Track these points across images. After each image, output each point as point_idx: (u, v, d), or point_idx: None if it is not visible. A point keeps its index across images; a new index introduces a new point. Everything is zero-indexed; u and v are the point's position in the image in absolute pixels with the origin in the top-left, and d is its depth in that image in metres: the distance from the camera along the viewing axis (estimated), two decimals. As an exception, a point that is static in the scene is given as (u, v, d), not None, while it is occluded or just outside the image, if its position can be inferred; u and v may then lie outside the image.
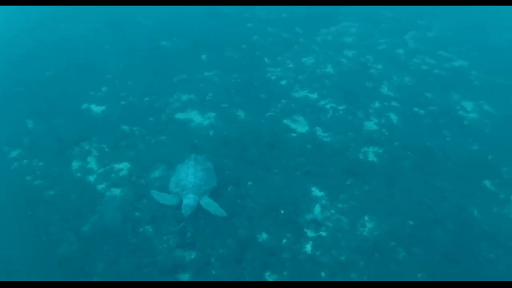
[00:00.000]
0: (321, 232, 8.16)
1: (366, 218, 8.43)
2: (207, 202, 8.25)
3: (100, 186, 9.06)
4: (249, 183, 8.97)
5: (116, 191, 8.92)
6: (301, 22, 14.61)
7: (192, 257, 7.71)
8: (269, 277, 7.45)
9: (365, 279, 7.44)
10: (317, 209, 8.57)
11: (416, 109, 11.03)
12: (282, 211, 8.40)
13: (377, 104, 11.10)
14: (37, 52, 13.64)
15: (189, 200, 8.19)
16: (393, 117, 10.74)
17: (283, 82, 11.80)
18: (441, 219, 8.47)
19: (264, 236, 8.04)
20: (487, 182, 9.29)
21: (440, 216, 8.52)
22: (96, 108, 11.07)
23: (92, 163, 9.60)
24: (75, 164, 9.60)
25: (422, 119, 10.76)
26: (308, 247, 7.91)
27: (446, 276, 7.47)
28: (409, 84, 11.87)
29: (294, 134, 10.18)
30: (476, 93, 11.62)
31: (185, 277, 7.44)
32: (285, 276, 7.45)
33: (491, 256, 7.90)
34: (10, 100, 11.65)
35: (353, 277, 7.45)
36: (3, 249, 7.76)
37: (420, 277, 7.52)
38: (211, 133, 10.21)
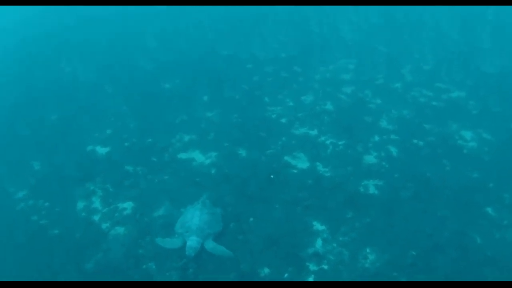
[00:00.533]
0: (323, 265, 8.16)
1: (367, 250, 8.42)
2: (212, 247, 8.31)
3: (105, 225, 9.26)
4: (251, 219, 9.06)
5: (120, 230, 9.08)
6: (300, 61, 14.98)
7: (194, 293, 7.75)
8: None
9: (367, 310, 7.39)
10: (319, 242, 8.60)
11: (415, 140, 11.12)
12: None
13: (376, 138, 11.23)
14: (41, 94, 14.19)
15: (192, 242, 8.28)
16: (393, 150, 10.84)
17: (283, 120, 12.04)
18: (443, 246, 8.40)
19: (266, 270, 8.06)
20: (489, 209, 9.22)
21: (441, 243, 8.45)
22: (101, 150, 11.42)
23: (97, 203, 9.86)
24: (80, 204, 9.87)
25: (421, 150, 10.82)
26: (310, 279, 7.89)
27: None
28: (408, 116, 12.02)
29: (294, 170, 10.31)
30: (474, 122, 11.67)
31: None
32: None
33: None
34: (17, 142, 12.08)
35: (355, 309, 7.40)
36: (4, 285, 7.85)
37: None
38: (212, 172, 10.41)
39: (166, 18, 20.40)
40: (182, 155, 10.97)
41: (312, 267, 8.14)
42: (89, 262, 8.37)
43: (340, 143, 11.10)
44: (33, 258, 8.57)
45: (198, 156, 10.91)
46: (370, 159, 10.60)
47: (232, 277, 7.88)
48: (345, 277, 7.90)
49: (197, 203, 9.03)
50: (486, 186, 9.83)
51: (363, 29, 17.33)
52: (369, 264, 8.15)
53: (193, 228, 8.41)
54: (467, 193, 9.56)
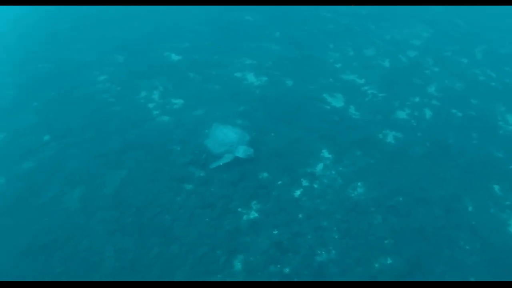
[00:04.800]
0: (314, 184, 8.80)
1: (359, 183, 8.89)
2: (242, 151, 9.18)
3: (155, 112, 10.74)
4: (272, 134, 9.92)
5: (165, 118, 10.52)
6: (376, 19, 14.89)
7: (201, 174, 8.95)
8: (254, 205, 8.37)
9: (334, 229, 8.04)
10: (320, 166, 9.20)
11: (454, 110, 10.93)
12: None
13: (417, 99, 11.21)
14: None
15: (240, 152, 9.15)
16: (427, 112, 10.80)
17: (338, 65, 12.42)
18: (431, 202, 8.52)
19: (265, 174, 8.96)
20: (496, 186, 9.03)
21: (431, 200, 8.56)
22: (175, 57, 12.82)
23: (155, 95, 11.33)
24: (143, 93, 11.38)
25: (457, 119, 10.61)
26: (297, 192, 8.61)
27: (411, 250, 7.67)
28: (459, 88, 11.69)
29: (327, 106, 10.81)
30: (527, 111, 11.05)
31: (189, 186, 8.72)
32: (267, 207, 8.34)
33: (467, 247, 7.87)
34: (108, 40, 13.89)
35: (324, 225, 8.05)
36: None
37: (386, 243, 7.84)
38: (257, 92, 11.30)
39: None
40: (238, 74, 11.99)
41: (305, 183, 8.83)
42: (130, 135, 9.95)
43: (380, 94, 11.28)
44: (95, 121, 10.40)
45: (250, 77, 11.83)
46: (401, 114, 10.70)
47: (233, 170, 8.94)
48: (328, 198, 8.52)
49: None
50: (506, 167, 9.54)
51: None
52: (354, 195, 8.60)
53: (233, 141, 9.29)
54: (481, 167, 9.37)
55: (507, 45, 13.82)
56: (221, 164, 8.91)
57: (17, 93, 11.42)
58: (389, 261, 7.58)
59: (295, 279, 7.19)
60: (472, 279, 7.43)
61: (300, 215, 8.21)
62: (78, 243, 7.70)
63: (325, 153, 9.49)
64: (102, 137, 10.00)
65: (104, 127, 10.26)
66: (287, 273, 7.28)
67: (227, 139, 9.16)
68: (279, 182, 8.79)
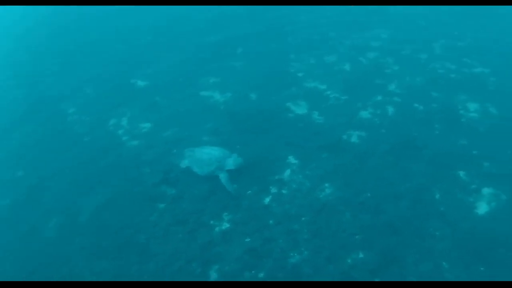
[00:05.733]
0: (282, 190, 8.98)
1: (326, 185, 9.05)
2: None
3: (124, 138, 10.95)
4: (237, 146, 10.12)
5: (134, 143, 10.72)
6: (335, 26, 15.23)
7: (172, 192, 9.17)
8: (225, 216, 8.52)
9: (305, 231, 8.17)
10: (287, 172, 9.39)
11: (416, 104, 11.18)
12: None
13: (379, 98, 11.49)
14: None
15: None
16: (390, 109, 11.04)
17: (300, 74, 12.71)
18: (399, 195, 8.68)
19: (234, 186, 9.10)
20: (461, 173, 9.18)
21: (399, 192, 8.72)
22: (141, 83, 13.12)
23: (124, 121, 11.54)
24: (112, 121, 11.64)
25: (418, 113, 10.86)
26: (267, 199, 8.78)
27: (382, 243, 7.83)
28: (419, 83, 11.95)
29: (291, 114, 11.06)
30: (486, 96, 11.28)
31: (161, 205, 8.87)
32: (238, 217, 8.48)
33: (436, 233, 8.00)
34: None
35: (295, 228, 8.18)
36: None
37: (357, 238, 7.99)
38: (221, 107, 11.61)
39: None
40: (203, 93, 12.26)
41: (273, 189, 9.01)
42: (102, 161, 10.14)
43: (343, 97, 11.55)
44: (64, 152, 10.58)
45: (215, 94, 12.11)
46: (365, 114, 10.93)
47: (203, 187, 9.12)
48: (297, 202, 8.67)
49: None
50: (469, 152, 9.71)
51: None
52: (323, 196, 8.76)
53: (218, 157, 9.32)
54: (446, 155, 9.54)
55: (466, 38, 14.20)
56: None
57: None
58: (361, 255, 7.73)
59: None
60: (445, 264, 7.58)
61: (270, 221, 8.37)
62: (57, 270, 7.98)
63: (292, 159, 9.70)
64: (74, 167, 10.23)
65: (75, 157, 10.48)
66: (261, 277, 7.39)
67: (212, 157, 9.23)
68: (249, 192, 8.96)
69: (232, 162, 9.23)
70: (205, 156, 9.25)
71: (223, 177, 9.12)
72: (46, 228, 8.99)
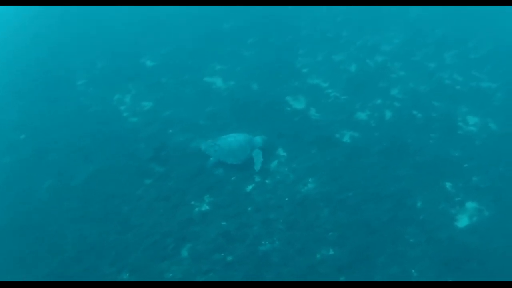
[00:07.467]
0: (266, 180, 9.14)
1: (310, 179, 9.17)
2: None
3: (125, 114, 11.22)
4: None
5: (134, 119, 11.02)
6: (349, 26, 15.04)
7: (161, 170, 9.45)
8: (207, 198, 8.75)
9: (281, 221, 8.32)
10: (274, 164, 9.55)
11: (415, 112, 11.15)
12: None
13: (378, 101, 11.48)
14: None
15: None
16: (387, 114, 11.03)
17: (305, 70, 12.74)
18: (381, 197, 8.76)
19: (220, 170, 9.34)
20: (448, 184, 9.18)
21: (381, 195, 8.79)
22: (149, 63, 13.41)
23: (127, 98, 11.83)
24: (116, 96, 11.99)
25: (416, 120, 10.85)
26: (249, 187, 8.97)
27: (355, 242, 7.94)
28: (422, 91, 11.91)
29: (289, 108, 11.16)
30: (488, 111, 11.16)
31: (148, 181, 9.14)
32: (219, 200, 8.68)
33: (411, 240, 8.08)
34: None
35: (272, 217, 8.35)
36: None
37: (331, 235, 8.10)
38: (224, 94, 11.77)
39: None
40: (207, 79, 12.42)
41: (257, 179, 9.17)
42: (101, 133, 10.58)
43: (342, 97, 11.58)
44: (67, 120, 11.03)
45: (218, 81, 12.27)
46: (361, 115, 10.95)
47: (191, 166, 9.36)
48: (278, 193, 8.83)
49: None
50: (460, 165, 9.70)
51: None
52: (305, 190, 8.90)
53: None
54: (436, 165, 9.54)
55: (480, 51, 13.94)
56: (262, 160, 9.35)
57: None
58: (331, 252, 7.85)
59: (237, 267, 7.43)
60: (414, 271, 7.66)
61: (249, 208, 8.57)
62: (44, 228, 8.50)
63: (281, 151, 9.82)
64: (74, 135, 10.67)
65: (77, 126, 10.94)
66: (229, 261, 7.58)
67: (242, 143, 9.45)
68: (233, 178, 9.12)
69: (261, 140, 9.58)
70: (234, 144, 9.41)
71: (257, 153, 9.44)
72: (40, 188, 9.43)
